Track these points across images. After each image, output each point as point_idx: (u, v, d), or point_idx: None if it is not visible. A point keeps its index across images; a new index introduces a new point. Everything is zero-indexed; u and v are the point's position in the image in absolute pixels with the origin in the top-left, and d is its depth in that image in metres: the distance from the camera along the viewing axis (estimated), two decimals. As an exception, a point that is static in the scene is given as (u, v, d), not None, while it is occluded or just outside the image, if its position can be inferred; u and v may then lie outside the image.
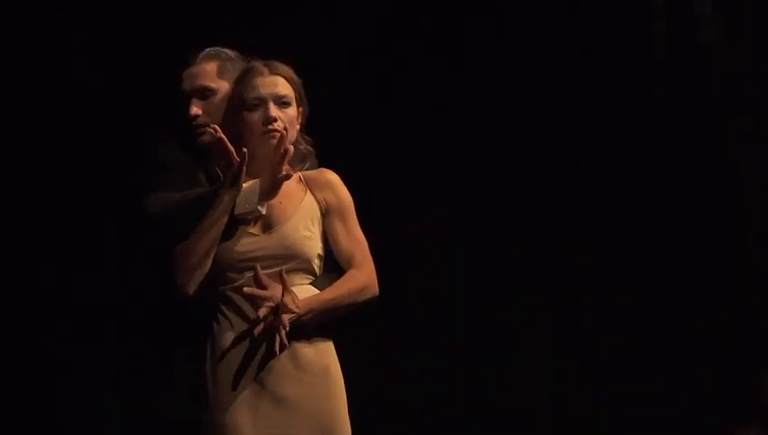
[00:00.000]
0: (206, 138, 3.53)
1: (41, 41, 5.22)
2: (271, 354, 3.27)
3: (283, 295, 3.22)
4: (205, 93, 3.59)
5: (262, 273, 3.24)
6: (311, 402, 3.28)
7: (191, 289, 3.31)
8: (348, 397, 3.38)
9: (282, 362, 3.27)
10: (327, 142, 3.67)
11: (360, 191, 3.62)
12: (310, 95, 3.52)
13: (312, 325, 3.31)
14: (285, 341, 3.23)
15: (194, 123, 3.57)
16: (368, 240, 3.46)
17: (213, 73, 3.60)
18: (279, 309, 3.21)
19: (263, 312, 3.21)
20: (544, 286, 5.35)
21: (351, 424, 3.37)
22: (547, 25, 5.45)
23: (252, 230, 3.34)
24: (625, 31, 5.44)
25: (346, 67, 5.33)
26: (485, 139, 5.44)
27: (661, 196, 5.34)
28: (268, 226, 3.35)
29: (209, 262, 3.30)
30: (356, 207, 3.59)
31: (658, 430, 5.15)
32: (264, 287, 3.23)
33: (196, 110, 3.57)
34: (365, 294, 3.38)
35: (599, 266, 5.33)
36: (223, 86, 3.57)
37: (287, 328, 3.23)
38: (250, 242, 3.33)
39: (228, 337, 3.29)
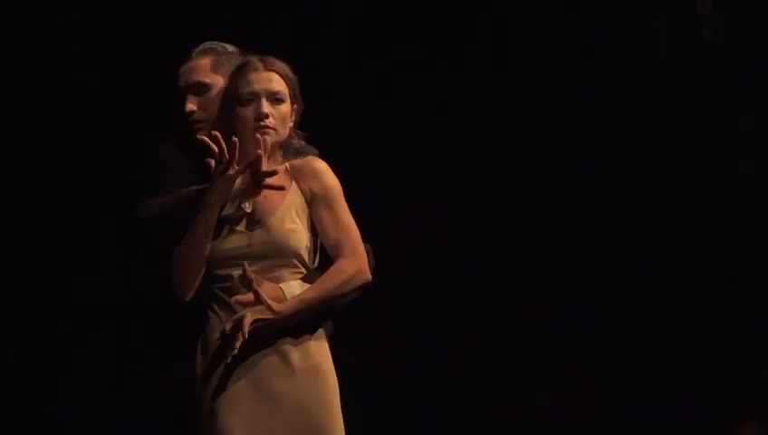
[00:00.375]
0: (204, 133, 3.52)
1: (41, 41, 5.22)
2: (261, 352, 3.27)
3: (257, 303, 3.22)
4: (200, 89, 3.57)
5: (250, 271, 3.24)
6: (301, 401, 3.26)
7: (188, 293, 3.31)
8: (347, 397, 3.37)
9: (272, 359, 3.27)
10: (327, 142, 3.68)
11: (360, 191, 3.62)
12: (310, 94, 3.52)
13: (305, 322, 3.30)
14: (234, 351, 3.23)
15: (190, 120, 3.57)
16: (367, 240, 3.46)
17: (207, 68, 3.58)
18: (238, 324, 3.21)
19: (228, 326, 3.21)
20: (544, 286, 5.35)
21: (351, 424, 3.36)
22: (547, 25, 5.44)
23: (238, 228, 3.33)
24: (625, 31, 5.44)
25: (346, 67, 5.33)
26: (485, 139, 5.44)
27: (661, 196, 5.34)
28: (254, 221, 3.33)
29: (203, 264, 3.31)
30: (356, 207, 3.58)
31: (658, 430, 5.14)
32: (250, 286, 3.23)
33: (191, 106, 3.56)
34: (354, 283, 3.34)
35: (599, 266, 5.33)
36: (218, 81, 3.55)
37: (235, 351, 3.21)
38: (236, 239, 3.32)
39: (219, 335, 3.29)
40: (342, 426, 3.31)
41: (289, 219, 3.34)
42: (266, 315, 3.24)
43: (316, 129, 3.63)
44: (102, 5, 5.20)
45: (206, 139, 3.29)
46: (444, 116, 5.45)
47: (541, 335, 5.36)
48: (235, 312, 3.26)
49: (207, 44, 3.64)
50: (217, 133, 3.29)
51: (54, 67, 5.22)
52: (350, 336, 3.72)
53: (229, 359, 3.26)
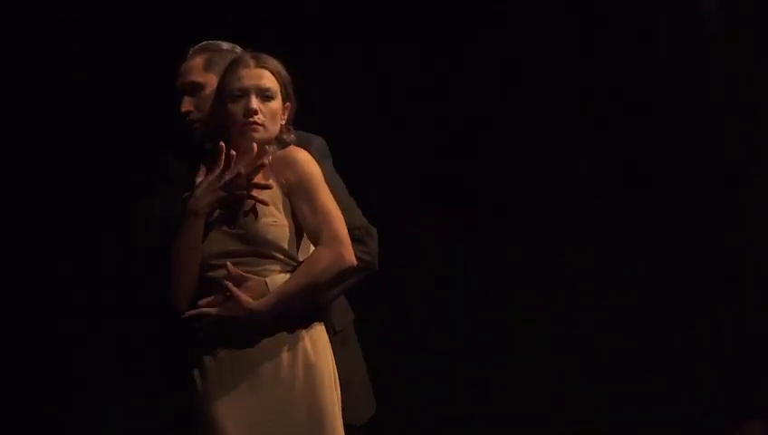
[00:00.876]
0: (199, 133, 3.55)
1: (41, 41, 5.21)
2: (257, 355, 3.27)
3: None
4: (194, 89, 3.59)
5: (234, 269, 3.26)
6: (296, 399, 3.26)
7: (184, 301, 3.32)
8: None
9: (269, 360, 3.27)
10: (327, 142, 3.67)
11: (360, 191, 3.62)
12: (309, 94, 3.52)
13: (298, 320, 3.31)
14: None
15: (187, 120, 3.57)
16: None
17: (200, 68, 3.60)
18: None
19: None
20: (544, 286, 5.34)
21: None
22: (547, 23, 5.44)
23: (219, 227, 3.34)
24: (627, 28, 5.41)
25: (346, 67, 5.32)
26: (485, 138, 5.44)
27: (661, 195, 5.33)
28: (233, 220, 3.34)
29: (197, 271, 3.31)
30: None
31: (658, 430, 5.14)
32: (237, 285, 3.25)
33: (186, 106, 3.58)
34: (333, 270, 3.31)
35: (599, 266, 5.32)
36: (211, 79, 3.56)
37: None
38: (219, 240, 3.32)
39: (213, 336, 3.29)
40: (341, 423, 3.31)
41: (267, 213, 3.32)
42: (239, 313, 3.24)
43: (316, 128, 3.63)
44: (102, 5, 5.19)
45: (224, 147, 3.30)
46: (444, 116, 5.44)
47: (541, 335, 5.35)
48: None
49: (203, 44, 3.66)
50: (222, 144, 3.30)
51: (55, 67, 5.22)
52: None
53: (223, 361, 3.27)
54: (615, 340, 5.25)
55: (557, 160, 5.40)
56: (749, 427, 5.09)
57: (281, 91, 3.41)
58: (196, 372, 3.30)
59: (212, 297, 3.28)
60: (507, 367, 5.31)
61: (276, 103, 3.39)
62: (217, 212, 3.35)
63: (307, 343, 3.31)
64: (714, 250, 5.27)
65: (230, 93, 3.37)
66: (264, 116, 3.36)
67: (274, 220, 3.32)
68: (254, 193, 3.31)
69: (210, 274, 3.31)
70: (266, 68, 3.41)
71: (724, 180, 5.30)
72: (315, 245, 3.34)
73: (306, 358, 3.29)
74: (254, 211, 3.33)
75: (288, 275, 3.31)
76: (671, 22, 5.40)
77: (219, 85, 3.43)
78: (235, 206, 3.34)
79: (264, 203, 3.31)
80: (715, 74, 5.36)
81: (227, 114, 3.36)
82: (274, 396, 3.26)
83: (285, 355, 3.28)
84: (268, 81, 3.39)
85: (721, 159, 5.32)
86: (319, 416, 3.27)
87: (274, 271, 3.31)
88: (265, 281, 3.28)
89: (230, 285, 3.25)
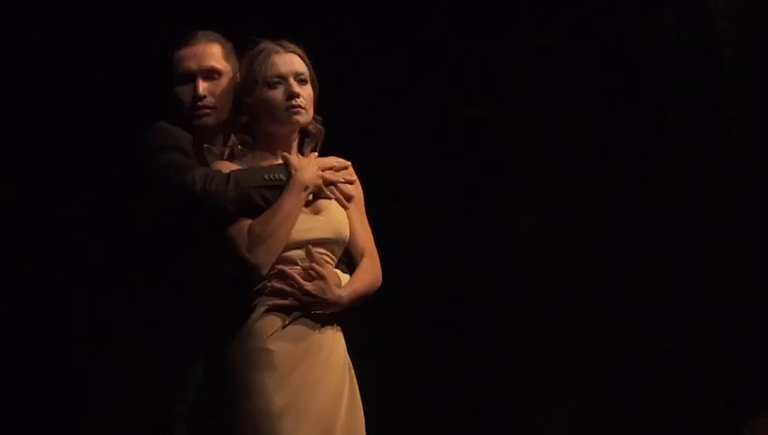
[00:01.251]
0: (209, 120, 3.54)
1: (40, 41, 5.23)
2: (309, 336, 3.29)
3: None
4: (213, 75, 3.57)
5: (315, 252, 3.31)
6: (340, 389, 3.33)
7: (265, 270, 3.29)
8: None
9: (319, 347, 3.30)
10: (328, 141, 3.68)
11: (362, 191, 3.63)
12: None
13: (338, 316, 3.39)
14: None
15: (199, 104, 3.54)
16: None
17: (220, 56, 3.59)
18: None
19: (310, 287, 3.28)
20: (544, 286, 5.34)
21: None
22: (552, 23, 5.45)
23: (305, 210, 3.36)
24: (633, 25, 5.41)
25: (348, 67, 5.33)
26: (485, 137, 5.45)
27: (661, 195, 5.33)
28: (318, 207, 3.38)
29: (287, 239, 3.30)
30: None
31: (659, 429, 5.13)
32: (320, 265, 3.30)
33: (203, 89, 3.55)
34: (377, 284, 3.45)
35: (598, 266, 5.32)
36: (228, 70, 3.57)
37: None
38: (303, 222, 3.34)
39: (269, 320, 3.30)
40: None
41: (341, 210, 3.41)
42: (327, 296, 3.29)
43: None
44: (102, 4, 5.21)
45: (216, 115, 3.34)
46: (445, 115, 5.45)
47: (541, 335, 5.34)
48: (286, 297, 3.30)
49: (208, 32, 3.64)
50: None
51: (54, 67, 5.23)
52: (349, 337, 3.73)
53: (280, 336, 3.27)
54: (615, 340, 5.25)
55: (557, 160, 5.40)
56: (754, 423, 5.07)
57: (309, 76, 3.44)
58: (242, 354, 3.29)
59: (301, 274, 3.29)
60: (507, 367, 5.31)
61: (309, 88, 3.43)
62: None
63: (339, 334, 3.40)
64: (713, 250, 5.26)
65: (267, 82, 3.37)
66: (305, 99, 3.39)
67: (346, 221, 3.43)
68: (340, 191, 3.40)
69: (286, 253, 3.31)
70: (295, 53, 3.44)
71: (723, 180, 5.30)
72: (357, 256, 3.44)
73: (345, 352, 3.40)
74: (335, 205, 3.41)
75: (343, 274, 3.39)
76: (681, 16, 5.36)
77: (246, 77, 3.43)
78: (322, 194, 3.40)
79: (351, 197, 3.43)
80: (716, 73, 5.34)
81: (264, 103, 3.37)
82: (323, 379, 3.30)
83: (333, 345, 3.34)
84: (300, 65, 3.43)
85: (721, 158, 5.31)
86: (355, 406, 3.37)
87: (337, 266, 3.39)
88: (337, 273, 3.35)
89: (320, 267, 3.29)
